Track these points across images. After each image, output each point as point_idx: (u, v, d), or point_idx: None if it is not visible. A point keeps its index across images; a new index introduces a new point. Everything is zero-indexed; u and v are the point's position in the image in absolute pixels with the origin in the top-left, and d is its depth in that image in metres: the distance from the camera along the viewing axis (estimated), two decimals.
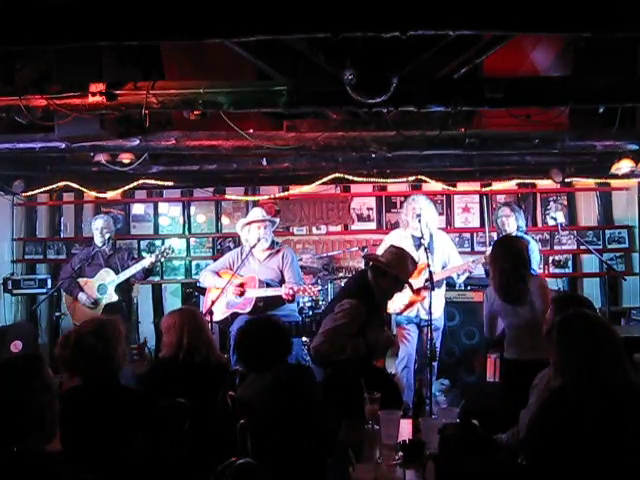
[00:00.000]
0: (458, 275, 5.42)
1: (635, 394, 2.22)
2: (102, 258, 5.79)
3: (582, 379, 2.23)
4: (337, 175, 6.32)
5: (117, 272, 5.67)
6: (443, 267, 5.30)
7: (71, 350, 2.68)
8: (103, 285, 5.67)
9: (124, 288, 5.78)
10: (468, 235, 6.99)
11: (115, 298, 5.62)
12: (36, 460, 1.75)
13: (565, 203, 6.91)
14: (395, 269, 3.86)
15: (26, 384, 1.83)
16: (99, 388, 2.63)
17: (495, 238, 5.95)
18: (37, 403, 1.83)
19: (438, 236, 5.34)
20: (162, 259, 5.68)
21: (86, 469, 2.04)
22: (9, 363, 1.94)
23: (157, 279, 7.17)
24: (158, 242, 7.13)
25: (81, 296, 5.69)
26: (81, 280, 5.77)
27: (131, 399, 2.65)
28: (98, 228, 5.82)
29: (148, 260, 5.57)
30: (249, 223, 5.19)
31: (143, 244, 7.32)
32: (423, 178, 6.56)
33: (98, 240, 5.83)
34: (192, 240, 7.32)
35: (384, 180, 6.60)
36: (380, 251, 5.45)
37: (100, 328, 2.74)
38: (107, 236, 5.83)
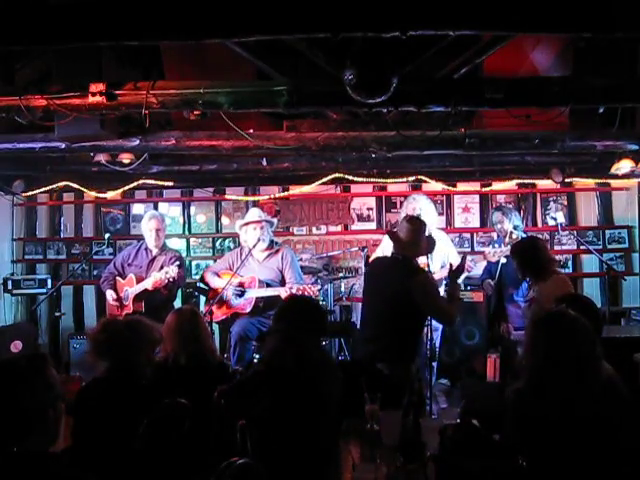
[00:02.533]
0: None
1: (599, 396, 2.23)
2: (146, 259, 5.36)
3: (535, 383, 2.25)
4: (337, 175, 6.32)
5: (147, 277, 5.17)
6: (442, 267, 5.30)
7: (103, 334, 2.79)
8: (127, 291, 5.29)
9: (156, 301, 5.15)
10: (468, 235, 6.99)
11: (130, 310, 5.14)
12: (36, 460, 1.74)
13: (565, 203, 6.90)
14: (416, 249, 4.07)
15: (29, 384, 1.81)
16: (119, 377, 2.68)
17: (495, 239, 5.95)
18: (40, 403, 1.81)
19: (437, 236, 5.33)
20: (171, 279, 4.97)
21: (92, 462, 2.05)
22: (13, 362, 1.92)
23: None
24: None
25: (108, 292, 5.33)
26: (118, 279, 5.42)
27: (147, 393, 2.69)
28: (152, 230, 5.31)
29: (150, 281, 5.02)
30: (246, 224, 5.20)
31: None
32: (423, 178, 6.56)
33: (152, 243, 5.33)
34: (192, 240, 7.32)
35: (384, 180, 6.60)
36: (379, 251, 5.48)
37: (134, 322, 2.90)
38: (163, 237, 5.37)
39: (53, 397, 1.86)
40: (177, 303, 6.99)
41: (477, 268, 5.49)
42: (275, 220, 5.51)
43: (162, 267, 5.19)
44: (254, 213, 5.28)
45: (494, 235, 6.43)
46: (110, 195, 6.91)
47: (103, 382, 2.75)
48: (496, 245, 5.43)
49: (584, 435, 2.15)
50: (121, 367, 2.77)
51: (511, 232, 5.50)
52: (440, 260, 5.29)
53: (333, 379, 2.95)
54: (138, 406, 2.59)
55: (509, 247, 5.19)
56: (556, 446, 2.15)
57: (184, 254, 7.19)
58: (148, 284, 5.07)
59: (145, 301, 5.18)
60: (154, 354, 2.95)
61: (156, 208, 7.36)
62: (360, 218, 7.15)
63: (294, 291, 4.85)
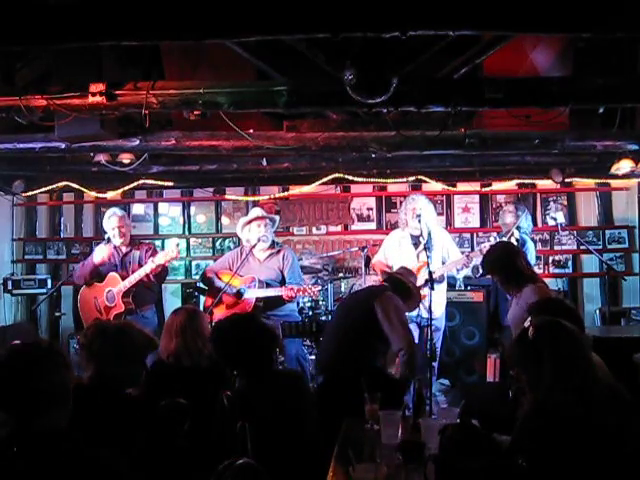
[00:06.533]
0: (457, 270, 5.41)
1: (608, 397, 2.22)
2: (118, 257, 5.18)
3: (555, 394, 2.22)
4: (337, 175, 6.33)
5: (128, 273, 5.07)
6: (443, 263, 5.30)
7: (92, 341, 2.71)
8: (110, 292, 5.07)
9: (141, 296, 5.09)
10: (468, 235, 6.99)
11: (122, 308, 4.98)
12: (56, 438, 1.83)
13: (565, 203, 6.91)
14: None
15: (52, 360, 1.93)
16: (99, 388, 2.65)
17: (494, 236, 5.95)
18: (61, 379, 1.93)
19: (436, 233, 5.33)
20: (171, 260, 4.95)
21: None
22: (36, 343, 2.05)
23: None
24: (158, 242, 7.12)
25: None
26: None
27: (128, 405, 2.65)
28: (114, 227, 5.15)
29: (149, 266, 4.89)
30: (249, 222, 5.19)
31: None
32: (423, 178, 6.56)
33: (117, 241, 5.19)
34: (192, 240, 7.32)
35: (384, 180, 6.60)
36: (380, 253, 5.48)
37: (123, 329, 2.75)
38: (129, 234, 5.23)
39: (70, 376, 1.98)
40: (177, 303, 7.03)
41: (474, 261, 5.47)
42: (278, 219, 5.50)
43: (140, 262, 5.10)
44: (257, 211, 5.28)
45: (494, 234, 6.44)
46: (110, 195, 6.91)
47: (85, 390, 2.70)
48: (492, 239, 5.41)
49: (599, 441, 2.14)
50: (102, 375, 2.64)
51: (512, 232, 5.49)
52: (440, 257, 5.28)
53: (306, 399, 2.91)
54: (120, 416, 2.54)
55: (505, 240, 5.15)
56: (574, 454, 2.13)
57: (184, 254, 7.21)
58: (146, 270, 4.89)
59: (133, 296, 5.04)
60: (145, 359, 2.85)
61: (156, 208, 7.38)
62: (360, 218, 7.16)
63: (294, 292, 4.85)
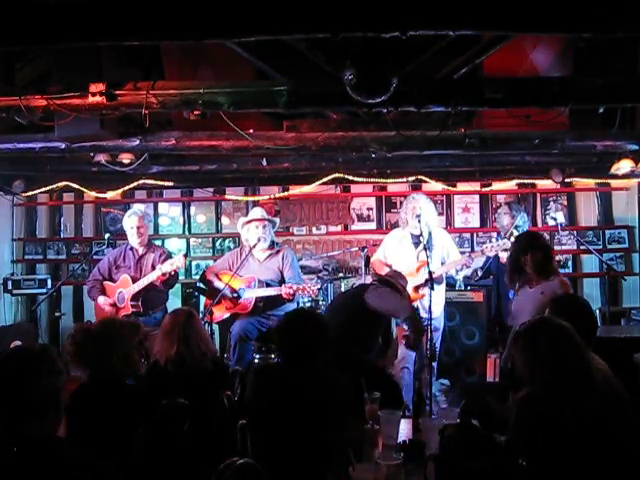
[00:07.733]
0: (457, 271, 5.41)
1: (606, 396, 2.22)
2: (133, 259, 5.23)
3: (548, 391, 2.23)
4: (337, 175, 6.33)
5: (141, 276, 5.09)
6: (442, 263, 5.29)
7: (74, 345, 2.77)
8: (121, 293, 5.12)
9: (153, 299, 5.14)
10: (468, 235, 6.99)
11: (129, 311, 5.02)
12: (49, 444, 1.82)
13: (565, 203, 6.91)
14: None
15: (46, 367, 1.90)
16: (100, 384, 2.68)
17: (495, 237, 5.95)
18: (54, 386, 1.91)
19: (437, 233, 5.32)
20: (177, 269, 4.93)
21: None
22: (28, 348, 2.02)
23: None
24: (158, 242, 7.12)
25: (100, 299, 5.18)
26: (106, 284, 5.26)
27: (131, 397, 2.68)
28: (133, 227, 5.18)
29: (156, 273, 4.92)
30: (248, 222, 5.20)
31: None
32: (423, 178, 6.56)
33: (134, 241, 5.22)
34: (192, 240, 7.33)
35: (384, 180, 6.61)
36: (380, 252, 5.47)
37: (103, 327, 2.84)
38: (146, 235, 5.24)
39: (62, 382, 1.96)
40: (177, 303, 7.02)
41: (477, 263, 5.47)
42: (277, 220, 5.49)
43: (153, 264, 5.12)
44: (257, 212, 5.28)
45: (494, 234, 6.44)
46: (110, 195, 6.91)
47: (87, 388, 2.73)
48: (493, 240, 5.42)
49: (593, 435, 2.14)
50: (100, 373, 2.73)
51: (512, 232, 5.48)
52: (440, 257, 5.27)
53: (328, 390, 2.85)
54: (124, 408, 2.57)
55: (506, 241, 5.15)
56: (566, 448, 2.14)
57: None
58: (153, 277, 4.94)
59: (142, 300, 5.08)
60: (134, 351, 2.85)
61: (156, 208, 7.38)
62: (360, 218, 7.16)
63: (292, 290, 4.84)
